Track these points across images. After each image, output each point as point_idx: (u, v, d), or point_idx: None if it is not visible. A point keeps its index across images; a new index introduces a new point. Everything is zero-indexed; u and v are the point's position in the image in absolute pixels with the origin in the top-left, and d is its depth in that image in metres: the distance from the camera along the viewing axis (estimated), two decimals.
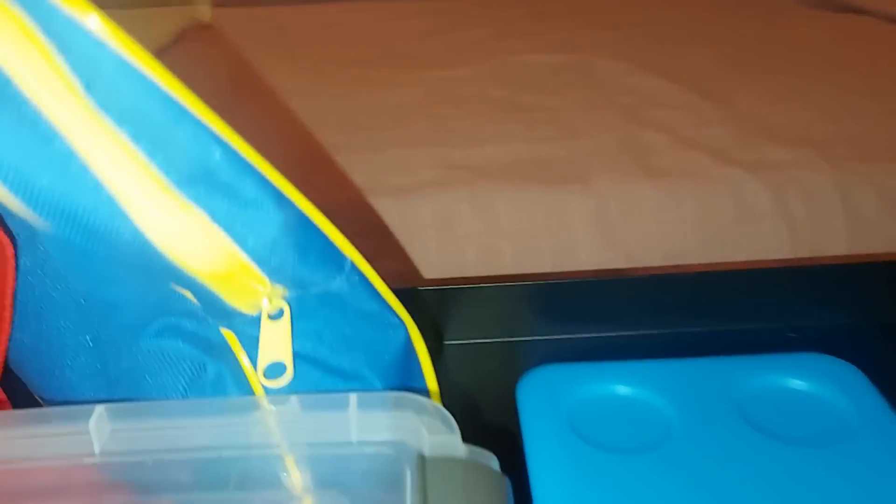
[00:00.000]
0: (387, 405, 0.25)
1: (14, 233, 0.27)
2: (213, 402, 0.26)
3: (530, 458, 0.27)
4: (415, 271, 0.67)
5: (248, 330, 0.25)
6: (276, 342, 0.25)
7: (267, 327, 0.25)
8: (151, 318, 0.26)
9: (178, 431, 0.25)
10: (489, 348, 0.43)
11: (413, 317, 0.28)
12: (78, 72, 0.22)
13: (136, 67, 0.22)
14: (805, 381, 0.29)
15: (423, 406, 0.25)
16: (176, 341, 0.26)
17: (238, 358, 0.26)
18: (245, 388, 0.26)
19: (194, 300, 0.25)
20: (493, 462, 0.23)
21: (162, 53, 1.03)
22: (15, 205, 0.23)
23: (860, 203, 0.66)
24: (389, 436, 0.24)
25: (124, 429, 0.26)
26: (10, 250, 0.28)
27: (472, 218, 0.70)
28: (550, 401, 0.28)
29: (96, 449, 0.25)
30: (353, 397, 0.25)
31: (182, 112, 0.23)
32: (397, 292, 0.28)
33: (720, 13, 1.11)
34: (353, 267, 0.26)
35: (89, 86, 0.22)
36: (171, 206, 0.23)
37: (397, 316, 0.27)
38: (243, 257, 0.24)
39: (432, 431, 0.24)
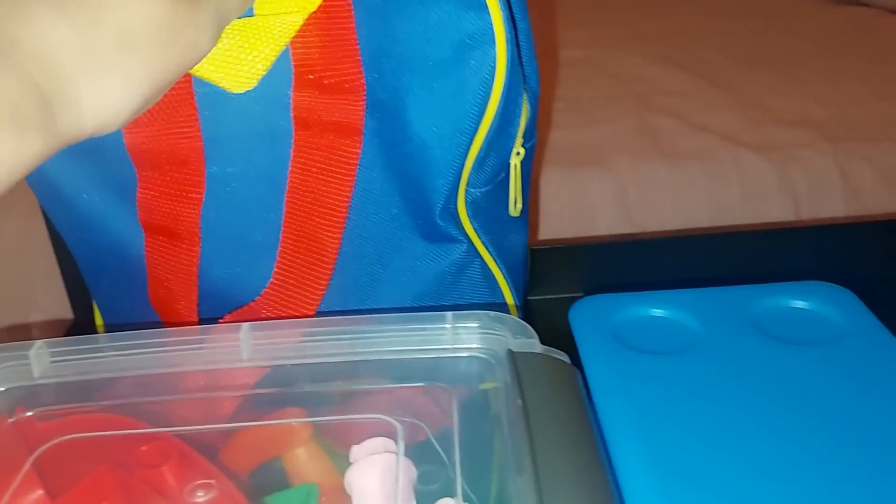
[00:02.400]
0: (477, 318, 0.32)
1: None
2: (343, 319, 0.32)
3: (584, 358, 0.34)
4: None
5: None
6: None
7: None
8: None
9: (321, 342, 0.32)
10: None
11: None
12: None
13: None
14: (806, 301, 0.36)
15: (504, 318, 0.31)
16: None
17: None
18: None
19: None
20: (565, 357, 0.30)
21: None
22: None
23: (857, 178, 0.72)
24: (480, 341, 0.31)
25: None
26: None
27: None
28: (598, 318, 0.35)
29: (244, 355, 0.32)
30: (449, 315, 0.32)
31: None
32: None
33: (726, 7, 1.18)
34: None
35: None
36: None
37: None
38: None
39: (515, 335, 0.31)
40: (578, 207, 0.76)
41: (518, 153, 0.39)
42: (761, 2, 1.18)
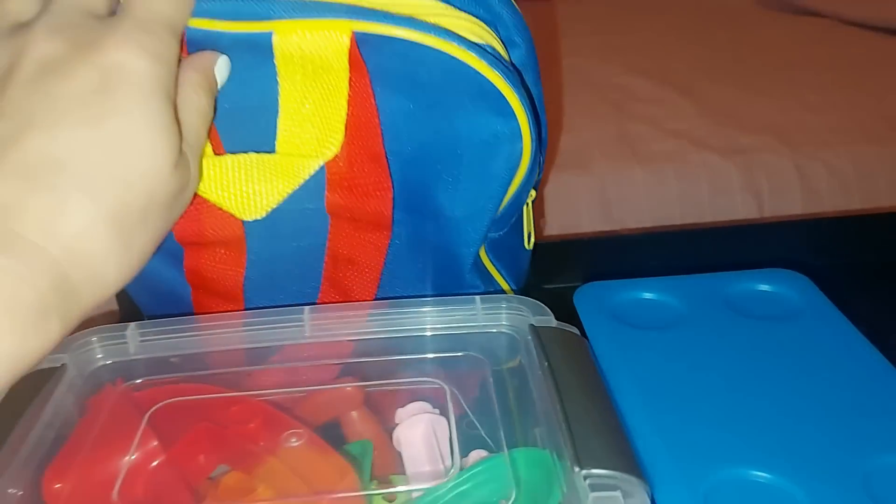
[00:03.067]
0: (502, 300, 0.38)
1: None
2: (388, 303, 0.39)
3: (590, 333, 0.40)
4: None
5: None
6: None
7: None
8: None
9: (370, 322, 0.38)
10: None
11: None
12: None
13: None
14: (770, 285, 0.43)
15: (524, 300, 0.38)
16: None
17: None
18: None
19: None
20: (576, 330, 0.37)
21: None
22: None
23: (814, 179, 0.80)
24: (506, 319, 0.38)
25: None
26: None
27: None
28: (598, 300, 0.42)
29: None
30: (478, 298, 0.38)
31: None
32: None
33: (693, 21, 1.26)
34: None
35: None
36: None
37: None
38: None
39: (535, 314, 0.37)
40: (563, 207, 0.83)
41: (530, 196, 0.42)
42: (725, 16, 1.26)
